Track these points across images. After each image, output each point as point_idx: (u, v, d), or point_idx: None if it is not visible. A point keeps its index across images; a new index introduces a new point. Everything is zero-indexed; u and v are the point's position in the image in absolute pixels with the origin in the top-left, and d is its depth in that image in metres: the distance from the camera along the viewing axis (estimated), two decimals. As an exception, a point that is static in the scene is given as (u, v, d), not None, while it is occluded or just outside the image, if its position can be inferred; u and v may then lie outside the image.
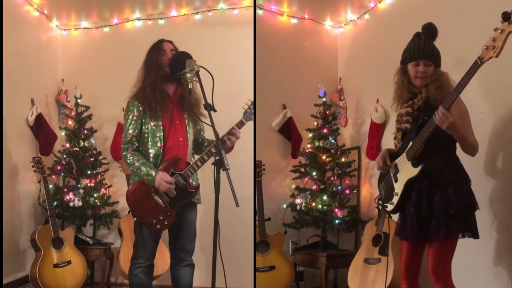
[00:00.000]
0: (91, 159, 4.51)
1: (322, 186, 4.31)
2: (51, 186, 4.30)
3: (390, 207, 2.62)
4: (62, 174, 4.47)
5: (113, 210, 4.51)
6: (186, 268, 2.90)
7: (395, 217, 2.74)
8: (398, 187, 2.57)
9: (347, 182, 4.39)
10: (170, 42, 2.95)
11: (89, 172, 4.47)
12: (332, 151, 4.33)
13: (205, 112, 2.53)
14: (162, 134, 2.81)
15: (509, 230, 2.93)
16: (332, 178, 4.35)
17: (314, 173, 4.35)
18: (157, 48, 2.91)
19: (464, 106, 2.50)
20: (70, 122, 4.60)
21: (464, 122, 2.47)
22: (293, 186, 4.42)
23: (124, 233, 4.16)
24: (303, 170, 4.42)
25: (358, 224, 4.37)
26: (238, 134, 2.79)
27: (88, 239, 4.36)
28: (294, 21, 4.75)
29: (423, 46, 2.54)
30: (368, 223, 3.92)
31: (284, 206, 4.42)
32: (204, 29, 4.59)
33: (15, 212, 4.17)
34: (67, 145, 4.52)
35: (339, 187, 4.29)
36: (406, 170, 2.52)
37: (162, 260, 3.88)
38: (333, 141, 4.35)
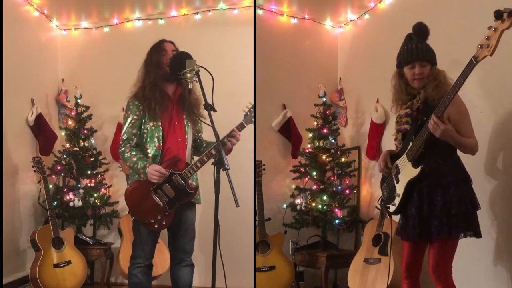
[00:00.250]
0: (91, 159, 4.51)
1: (322, 186, 4.31)
2: (51, 186, 4.30)
3: (392, 208, 2.62)
4: (62, 174, 4.47)
5: (113, 210, 4.51)
6: (185, 268, 2.90)
7: (396, 217, 2.74)
8: (400, 188, 2.57)
9: (347, 182, 4.39)
10: (172, 42, 2.95)
11: (89, 172, 4.47)
12: (332, 151, 4.33)
13: (205, 113, 2.53)
14: (161, 134, 2.81)
15: (510, 230, 2.93)
16: (332, 178, 4.35)
17: (314, 173, 4.35)
18: (158, 48, 2.91)
19: (463, 105, 2.50)
20: (70, 122, 4.60)
21: (463, 122, 2.47)
22: (293, 186, 4.42)
23: (124, 233, 4.16)
24: (303, 170, 4.42)
25: (358, 224, 4.37)
26: (238, 136, 2.78)
27: (88, 239, 4.36)
28: (294, 21, 4.75)
29: (415, 47, 2.53)
30: (368, 223, 3.92)
31: (284, 206, 4.42)
32: (204, 29, 4.59)
33: (15, 212, 4.17)
34: (67, 145, 4.52)
35: (339, 187, 4.29)
36: (407, 171, 2.52)
37: (162, 260, 3.88)
38: (333, 141, 4.35)
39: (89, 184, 4.45)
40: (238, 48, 4.45)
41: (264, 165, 4.22)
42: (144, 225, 2.76)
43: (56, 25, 4.86)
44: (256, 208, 4.09)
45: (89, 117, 4.60)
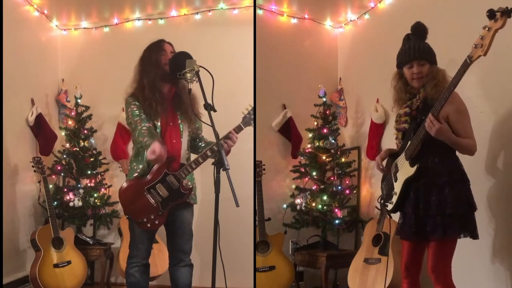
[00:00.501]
0: (91, 159, 4.51)
1: (322, 186, 4.30)
2: (51, 186, 4.30)
3: (390, 206, 2.63)
4: (62, 174, 4.47)
5: (113, 210, 4.51)
6: (184, 268, 2.89)
7: (396, 217, 2.74)
8: (397, 187, 2.57)
9: (347, 182, 4.39)
10: (170, 44, 2.94)
11: (89, 172, 4.47)
12: (332, 151, 4.33)
13: (205, 112, 2.53)
14: (160, 134, 2.80)
15: (509, 230, 2.93)
16: (332, 178, 4.35)
17: (314, 173, 4.34)
18: (157, 47, 2.90)
19: (463, 105, 2.50)
20: (70, 122, 4.60)
21: (462, 121, 2.46)
22: (293, 186, 4.42)
23: (124, 233, 4.16)
24: (303, 170, 4.42)
25: (358, 224, 4.37)
26: (235, 138, 2.77)
27: (88, 239, 4.36)
28: (294, 21, 4.75)
29: (413, 47, 2.53)
30: (368, 223, 3.92)
31: (284, 206, 4.42)
32: (204, 29, 4.59)
33: (15, 212, 4.17)
34: (67, 145, 4.52)
35: (339, 187, 4.29)
36: (404, 170, 2.53)
37: (162, 260, 3.88)
38: (333, 141, 4.35)
39: (89, 184, 4.45)
40: (238, 48, 4.45)
41: (264, 165, 4.22)
42: (137, 224, 2.76)
43: (56, 25, 4.86)
44: (256, 208, 4.08)
45: (89, 117, 4.60)
